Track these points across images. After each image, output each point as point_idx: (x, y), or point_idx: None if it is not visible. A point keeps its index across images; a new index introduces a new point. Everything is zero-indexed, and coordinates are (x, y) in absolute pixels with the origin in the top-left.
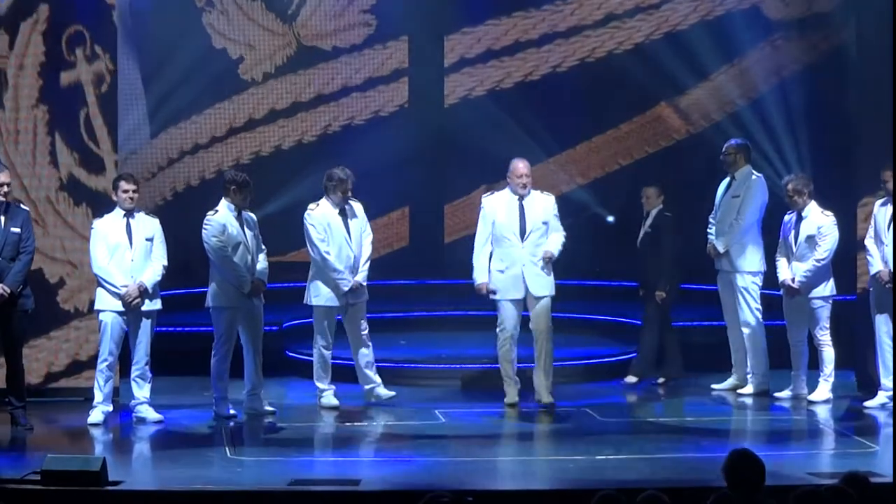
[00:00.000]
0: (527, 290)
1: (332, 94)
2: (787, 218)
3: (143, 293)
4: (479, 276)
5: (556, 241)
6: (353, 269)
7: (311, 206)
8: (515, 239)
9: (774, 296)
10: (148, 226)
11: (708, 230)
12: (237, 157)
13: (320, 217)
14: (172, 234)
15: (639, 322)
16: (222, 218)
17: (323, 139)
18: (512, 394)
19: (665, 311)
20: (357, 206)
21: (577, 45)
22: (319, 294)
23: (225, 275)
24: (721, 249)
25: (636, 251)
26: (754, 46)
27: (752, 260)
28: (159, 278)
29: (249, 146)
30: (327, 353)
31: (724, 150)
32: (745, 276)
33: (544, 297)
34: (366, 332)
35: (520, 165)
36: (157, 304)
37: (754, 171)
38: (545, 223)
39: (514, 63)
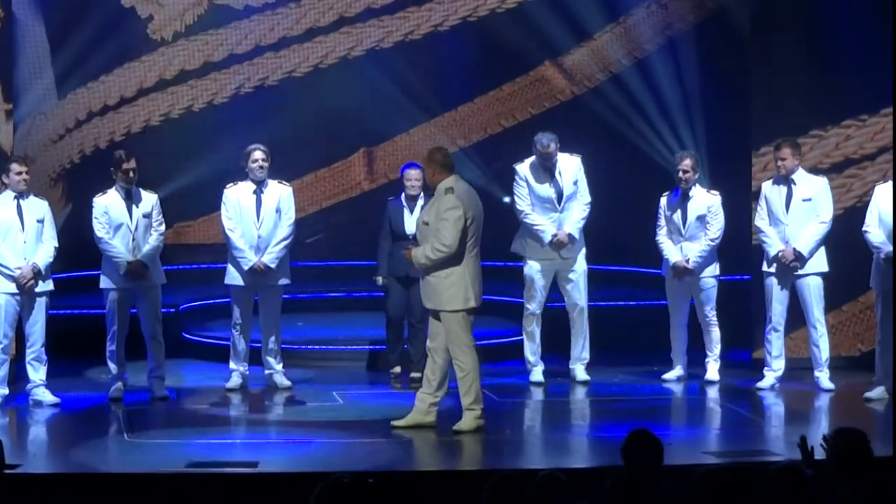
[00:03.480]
0: None
1: (245, 54)
2: (666, 197)
3: (37, 275)
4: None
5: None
6: (260, 250)
7: (229, 185)
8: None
9: (653, 274)
10: (38, 207)
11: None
12: (147, 118)
13: (233, 196)
14: (74, 208)
15: None
16: (106, 199)
17: (234, 101)
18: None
19: None
20: (279, 188)
21: (459, 3)
22: (229, 273)
23: (106, 256)
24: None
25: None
26: (640, 5)
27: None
28: (51, 260)
29: (160, 107)
30: (235, 334)
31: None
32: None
33: None
34: (275, 318)
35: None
36: (49, 286)
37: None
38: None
39: (393, 22)
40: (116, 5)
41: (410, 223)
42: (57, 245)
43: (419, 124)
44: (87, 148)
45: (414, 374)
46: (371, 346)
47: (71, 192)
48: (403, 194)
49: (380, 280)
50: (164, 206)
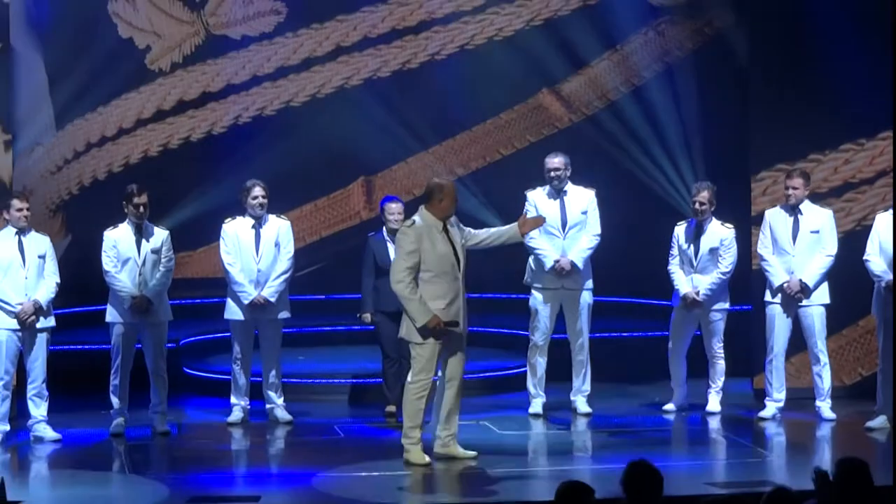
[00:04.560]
0: None
1: (243, 84)
2: (681, 228)
3: (38, 311)
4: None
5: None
6: (260, 284)
7: (227, 219)
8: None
9: (652, 305)
10: (40, 243)
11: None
12: (145, 149)
13: (231, 230)
14: (75, 239)
15: None
16: (116, 233)
17: (233, 131)
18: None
19: None
20: (277, 222)
21: (455, 32)
22: (229, 308)
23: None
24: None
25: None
26: (636, 32)
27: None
28: (53, 295)
29: (158, 138)
30: (236, 368)
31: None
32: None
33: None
34: (276, 352)
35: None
36: (50, 322)
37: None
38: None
39: (390, 51)
40: (114, 36)
41: None
42: (58, 280)
43: (417, 153)
44: (85, 179)
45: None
46: (372, 380)
47: (70, 224)
48: (385, 228)
49: (367, 318)
50: None
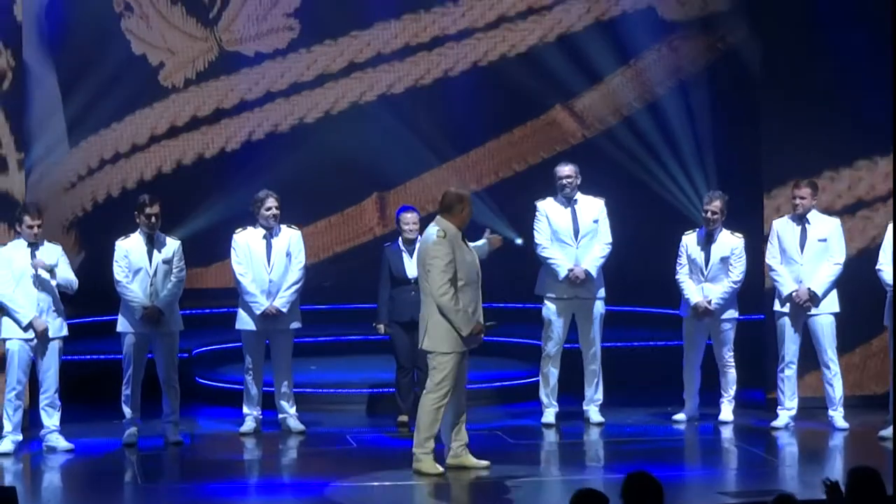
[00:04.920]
0: None
1: (257, 100)
2: (689, 237)
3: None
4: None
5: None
6: (271, 295)
7: (238, 230)
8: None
9: (665, 315)
10: (52, 253)
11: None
12: (159, 165)
13: (242, 240)
14: (88, 255)
15: None
16: (128, 243)
17: (246, 147)
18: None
19: None
20: (289, 232)
21: (469, 48)
22: (240, 318)
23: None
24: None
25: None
26: (650, 48)
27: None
28: (75, 286)
29: (172, 154)
30: (248, 378)
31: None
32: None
33: None
34: (287, 362)
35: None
36: (63, 331)
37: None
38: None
39: (404, 67)
40: (127, 52)
41: (411, 267)
42: (76, 282)
43: (430, 169)
44: (99, 196)
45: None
46: (384, 390)
47: (84, 240)
48: (400, 238)
49: (381, 328)
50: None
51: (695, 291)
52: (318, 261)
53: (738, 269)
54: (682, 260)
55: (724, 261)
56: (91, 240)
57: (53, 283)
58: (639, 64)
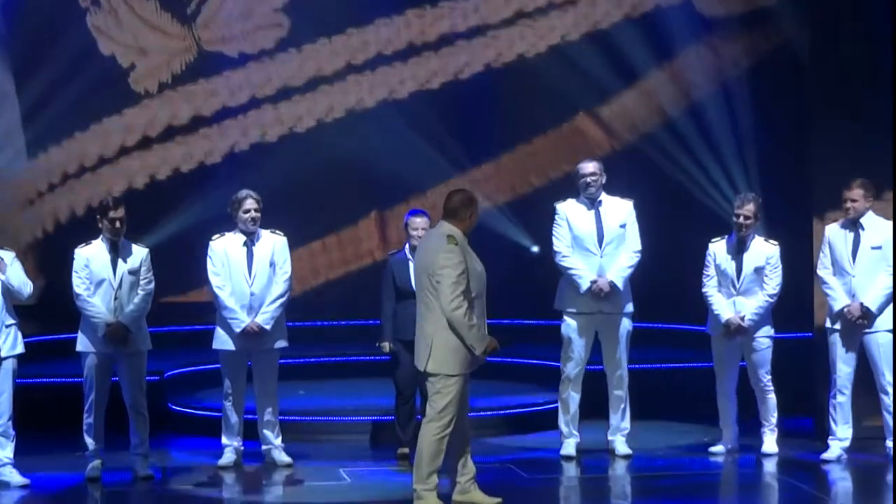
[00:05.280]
0: None
1: (240, 107)
2: (717, 245)
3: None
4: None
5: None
6: (253, 310)
7: (215, 236)
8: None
9: (698, 333)
10: (5, 258)
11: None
12: (130, 180)
13: (219, 248)
14: (47, 274)
15: None
16: (89, 251)
17: (229, 160)
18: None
19: None
20: (272, 239)
21: (481, 46)
22: (218, 336)
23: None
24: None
25: None
26: (687, 47)
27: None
28: (29, 291)
29: (144, 168)
30: (228, 405)
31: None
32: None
33: None
34: (272, 386)
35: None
36: (17, 349)
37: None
38: None
39: (407, 69)
40: (93, 52)
41: None
42: (30, 291)
43: (437, 185)
44: (62, 214)
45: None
46: (381, 417)
47: (43, 265)
48: (407, 246)
49: (386, 347)
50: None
51: (725, 306)
52: (310, 288)
53: (774, 281)
54: (710, 271)
55: (758, 271)
56: (51, 264)
57: (2, 276)
58: (673, 65)
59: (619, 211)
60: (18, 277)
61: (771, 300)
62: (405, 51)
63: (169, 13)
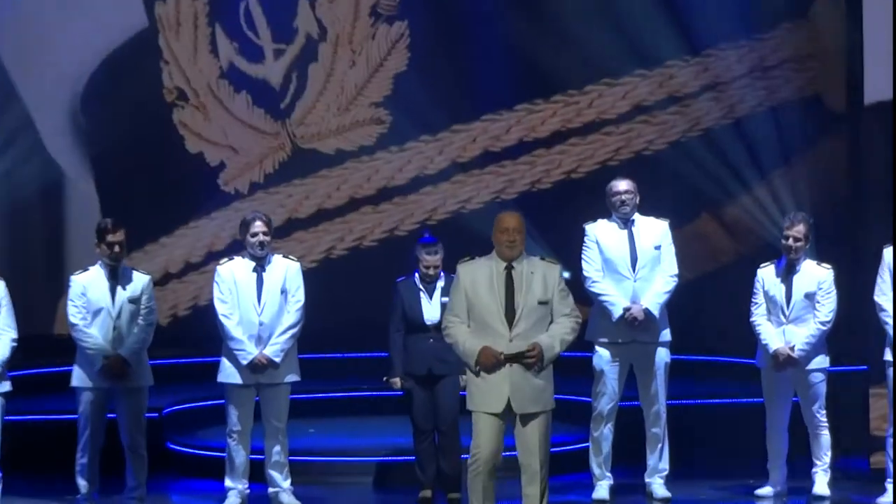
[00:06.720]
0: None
1: (338, 209)
2: (766, 270)
3: None
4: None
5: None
6: (262, 341)
7: (223, 260)
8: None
9: (744, 365)
10: None
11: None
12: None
13: (227, 273)
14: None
15: None
16: (86, 277)
17: (325, 264)
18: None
19: None
20: (284, 264)
21: (596, 145)
22: (223, 369)
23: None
24: None
25: None
26: (810, 144)
27: None
28: (9, 354)
29: None
30: (232, 443)
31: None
32: None
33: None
34: (281, 423)
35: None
36: (5, 386)
37: None
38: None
39: (517, 168)
40: (180, 151)
41: (431, 310)
42: (16, 336)
43: None
44: None
45: (452, 496)
46: (401, 458)
47: None
48: (417, 274)
49: (397, 383)
50: None
51: (774, 336)
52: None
53: (827, 308)
54: (759, 298)
55: (810, 297)
56: None
57: None
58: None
59: (654, 231)
60: (3, 353)
61: (824, 328)
62: (515, 148)
63: (262, 108)
